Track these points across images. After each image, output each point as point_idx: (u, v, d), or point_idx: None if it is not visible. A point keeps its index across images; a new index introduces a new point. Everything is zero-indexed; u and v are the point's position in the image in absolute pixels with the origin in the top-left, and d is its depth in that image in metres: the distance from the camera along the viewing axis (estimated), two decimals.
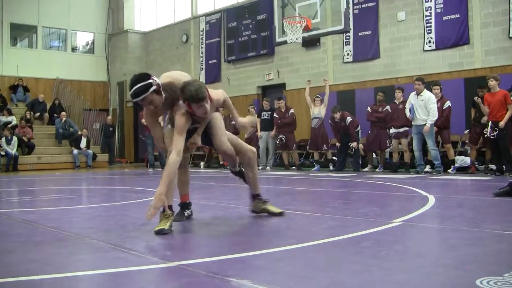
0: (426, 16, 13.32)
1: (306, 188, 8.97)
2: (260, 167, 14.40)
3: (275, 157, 15.12)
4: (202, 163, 17.02)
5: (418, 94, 11.01)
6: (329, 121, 13.07)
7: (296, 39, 12.70)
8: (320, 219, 4.94)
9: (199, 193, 6.25)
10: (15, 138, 17.09)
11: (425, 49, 13.41)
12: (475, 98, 10.77)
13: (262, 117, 14.58)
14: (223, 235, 4.14)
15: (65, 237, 4.13)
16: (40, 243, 3.85)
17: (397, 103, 12.07)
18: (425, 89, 10.99)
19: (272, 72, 17.14)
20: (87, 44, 23.80)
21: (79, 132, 19.17)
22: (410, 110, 11.06)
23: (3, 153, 16.61)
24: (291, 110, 14.11)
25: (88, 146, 18.76)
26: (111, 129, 20.03)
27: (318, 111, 13.48)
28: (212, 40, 19.19)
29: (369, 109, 12.60)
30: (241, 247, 3.58)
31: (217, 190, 6.99)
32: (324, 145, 13.33)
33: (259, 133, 14.53)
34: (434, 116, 10.80)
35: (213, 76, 19.11)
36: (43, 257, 3.36)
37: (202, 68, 19.58)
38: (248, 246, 3.63)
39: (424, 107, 10.87)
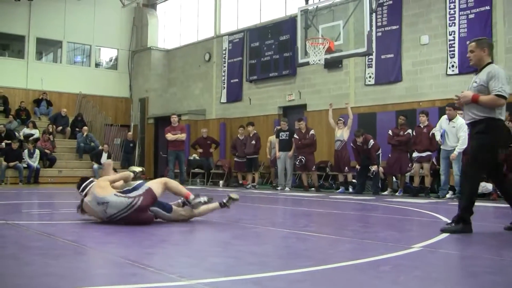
0: (449, 40, 13.27)
1: (324, 210, 8.91)
2: (279, 188, 14.38)
3: (294, 178, 15.06)
4: (221, 182, 17.04)
5: (450, 119, 10.92)
6: (351, 144, 13.01)
7: (319, 60, 12.71)
8: (338, 242, 4.90)
9: (218, 212, 6.24)
10: (37, 151, 17.29)
11: (448, 73, 13.34)
12: (506, 122, 10.60)
13: (280, 138, 14.57)
14: (241, 255, 4.12)
15: (83, 251, 4.15)
16: (59, 256, 3.86)
17: (422, 126, 11.96)
18: (457, 115, 10.87)
19: (293, 93, 17.17)
20: (111, 60, 24.13)
21: (100, 147, 19.34)
22: (441, 136, 10.95)
23: (25, 165, 16.82)
24: (312, 131, 14.05)
25: None
26: (131, 145, 20.16)
27: (341, 133, 13.43)
28: (235, 59, 19.33)
29: (390, 132, 12.51)
30: (258, 267, 3.55)
31: (236, 209, 6.97)
32: (346, 167, 13.24)
33: (278, 154, 14.50)
34: (463, 144, 10.65)
35: (235, 95, 19.22)
36: (61, 271, 3.37)
37: (224, 87, 19.70)
38: (265, 267, 3.60)
39: (455, 134, 10.79)
